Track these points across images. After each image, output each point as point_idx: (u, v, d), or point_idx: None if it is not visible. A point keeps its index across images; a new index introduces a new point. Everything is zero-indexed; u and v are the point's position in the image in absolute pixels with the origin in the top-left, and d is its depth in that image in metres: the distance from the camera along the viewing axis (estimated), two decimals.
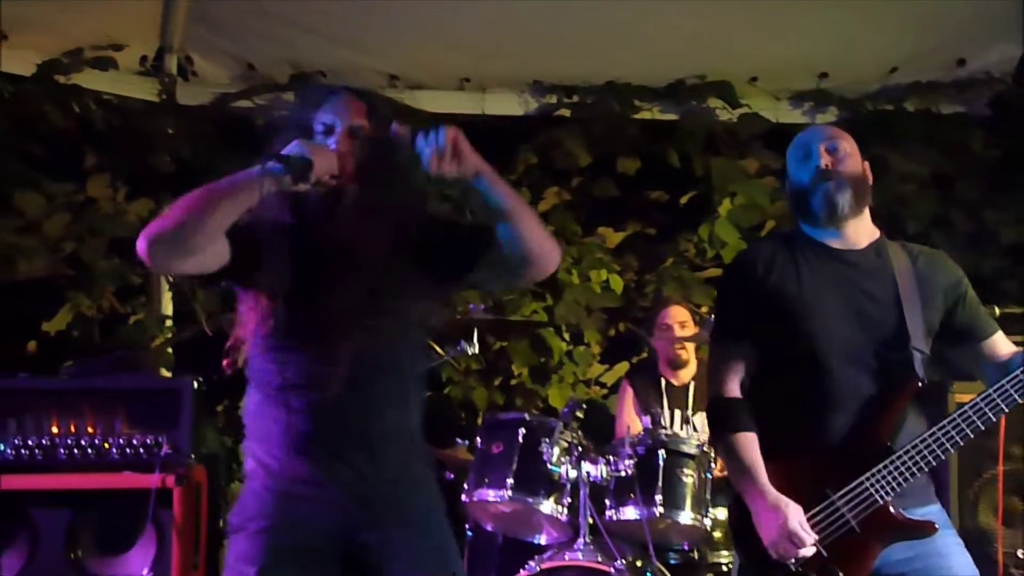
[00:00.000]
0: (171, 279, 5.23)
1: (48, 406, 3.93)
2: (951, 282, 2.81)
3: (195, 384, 4.03)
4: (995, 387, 2.62)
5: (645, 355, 5.14)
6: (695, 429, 4.31)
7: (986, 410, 2.61)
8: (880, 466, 2.61)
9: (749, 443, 2.69)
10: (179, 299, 5.28)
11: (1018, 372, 2.61)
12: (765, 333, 2.74)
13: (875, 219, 5.09)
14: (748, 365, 2.77)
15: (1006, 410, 2.62)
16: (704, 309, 5.16)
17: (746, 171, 5.22)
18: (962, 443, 2.62)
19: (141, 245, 2.26)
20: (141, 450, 3.88)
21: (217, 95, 5.30)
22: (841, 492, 2.62)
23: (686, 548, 4.00)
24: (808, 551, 2.59)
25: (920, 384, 2.67)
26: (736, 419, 2.73)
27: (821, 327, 2.68)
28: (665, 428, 4.32)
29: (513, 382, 5.29)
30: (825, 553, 2.60)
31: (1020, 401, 2.62)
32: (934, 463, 2.63)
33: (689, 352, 4.53)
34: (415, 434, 2.50)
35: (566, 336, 5.30)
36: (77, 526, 3.85)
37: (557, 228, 5.32)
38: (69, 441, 3.88)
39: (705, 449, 3.89)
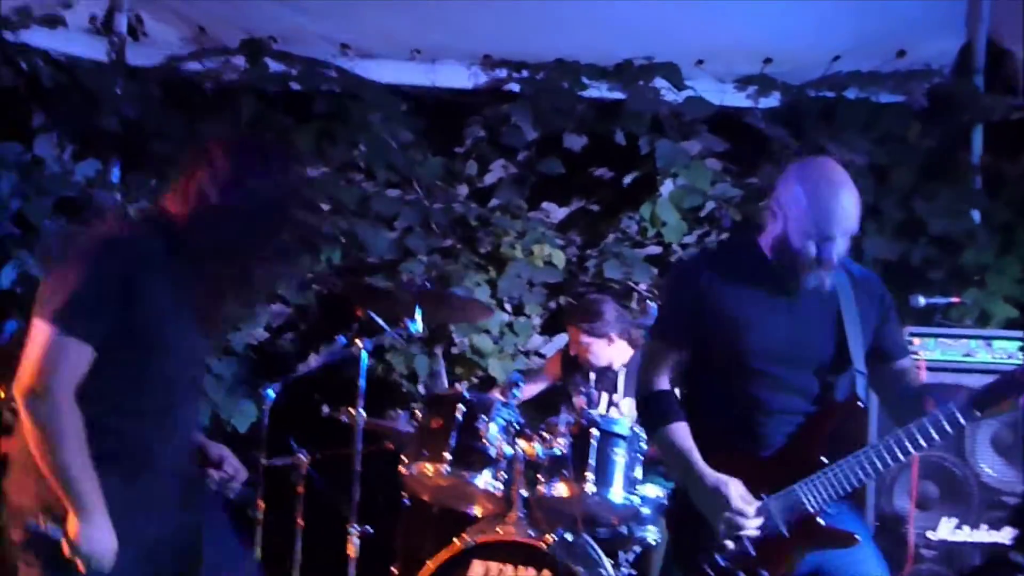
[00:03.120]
0: None
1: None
2: (881, 299, 2.95)
3: None
4: (926, 420, 2.74)
5: None
6: (620, 413, 4.45)
7: (907, 443, 2.74)
8: (812, 477, 2.76)
9: (681, 431, 2.83)
10: None
11: (951, 407, 2.73)
12: (706, 342, 2.86)
13: None
14: (681, 364, 2.92)
15: (926, 446, 2.75)
16: (643, 287, 5.31)
17: (688, 153, 5.33)
18: (884, 469, 2.77)
19: None
20: None
21: (167, 57, 5.29)
22: (774, 496, 2.76)
23: (615, 523, 4.16)
24: (755, 522, 2.73)
25: (858, 405, 2.83)
26: (666, 411, 2.87)
27: (764, 345, 2.81)
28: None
29: (454, 351, 5.40)
30: (753, 552, 2.76)
31: (940, 441, 2.75)
32: (865, 481, 2.77)
33: (600, 352, 4.59)
34: None
35: (507, 308, 5.40)
36: None
37: (503, 202, 5.42)
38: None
39: (636, 430, 4.03)
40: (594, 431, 3.95)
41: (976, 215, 5.31)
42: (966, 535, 4.23)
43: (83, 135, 5.12)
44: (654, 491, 4.20)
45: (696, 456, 2.80)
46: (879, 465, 2.76)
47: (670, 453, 2.86)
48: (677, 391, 3.00)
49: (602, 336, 4.51)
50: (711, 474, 2.76)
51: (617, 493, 3.94)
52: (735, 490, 2.74)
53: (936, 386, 3.15)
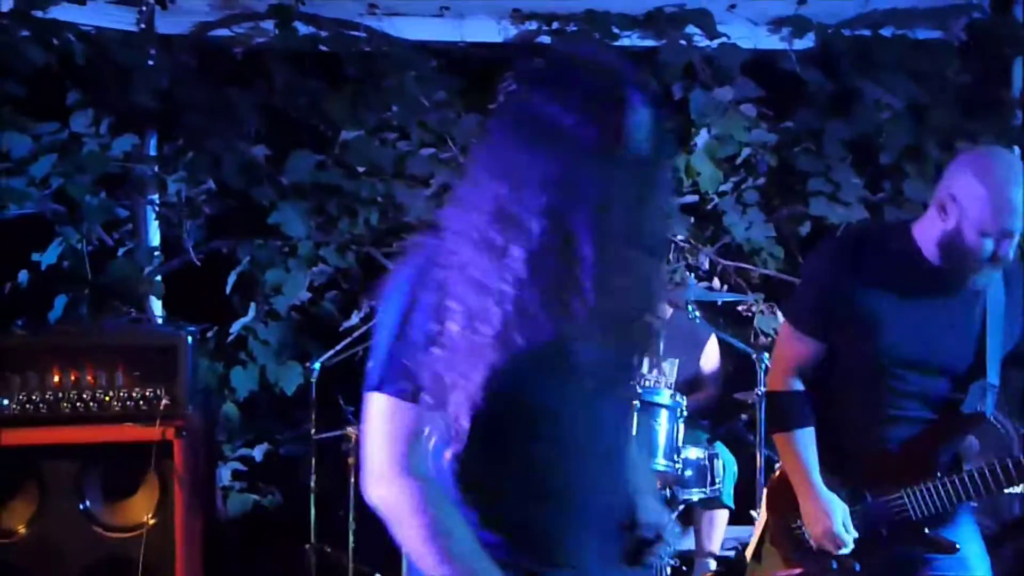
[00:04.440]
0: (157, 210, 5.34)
1: (49, 360, 4.09)
2: None
3: (190, 338, 4.20)
4: None
5: None
6: (662, 374, 4.51)
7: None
8: (922, 486, 2.72)
9: (806, 440, 2.78)
10: (166, 229, 5.39)
11: None
12: (843, 337, 2.76)
13: (850, 148, 5.19)
14: (817, 357, 2.81)
15: None
16: (679, 238, 5.31)
17: (722, 103, 5.27)
18: (998, 490, 2.69)
19: None
20: (141, 403, 4.07)
21: (196, 24, 5.27)
22: (880, 500, 2.75)
23: (659, 488, 4.25)
24: (847, 550, 2.74)
25: (985, 418, 2.75)
26: (795, 416, 2.81)
27: (901, 349, 2.71)
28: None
29: None
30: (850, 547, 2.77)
31: None
32: (976, 498, 2.71)
33: None
34: None
35: None
36: (84, 476, 4.07)
37: None
38: (72, 395, 4.05)
39: (677, 399, 4.09)
40: (635, 402, 4.02)
41: (1017, 152, 5.24)
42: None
43: (118, 109, 5.13)
44: (695, 454, 4.30)
45: (815, 471, 2.76)
46: (993, 486, 2.69)
47: (790, 458, 2.82)
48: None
49: None
50: (824, 495, 2.75)
51: (660, 461, 4.03)
52: (839, 516, 2.73)
53: None
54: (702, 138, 5.27)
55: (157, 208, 5.34)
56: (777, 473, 3.01)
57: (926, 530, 2.74)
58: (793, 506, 2.84)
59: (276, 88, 5.19)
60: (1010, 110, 5.28)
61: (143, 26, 5.18)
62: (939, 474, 2.72)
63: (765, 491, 3.06)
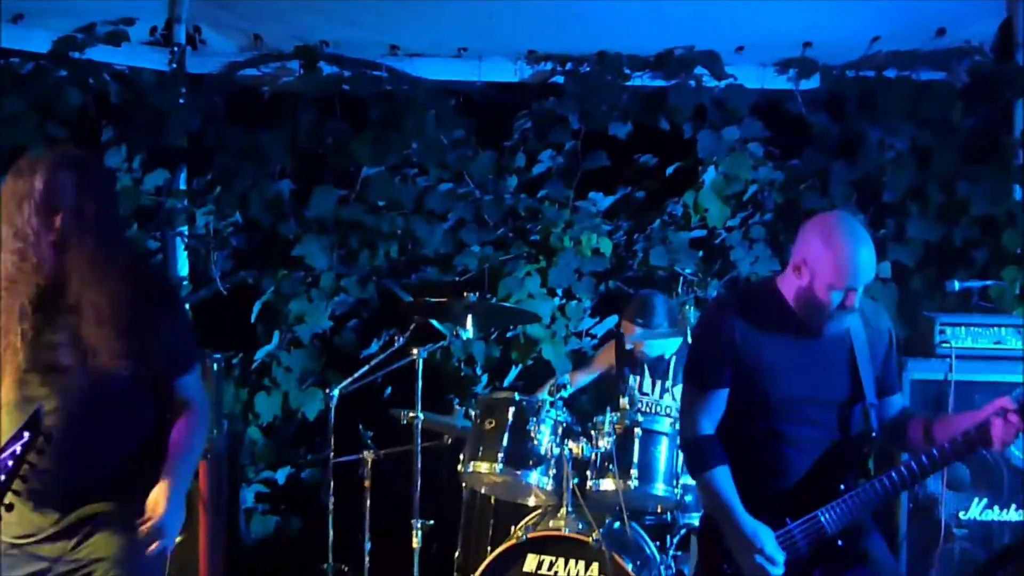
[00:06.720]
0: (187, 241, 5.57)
1: None
2: (886, 333, 3.15)
3: (216, 365, 4.40)
4: (935, 449, 2.97)
5: None
6: (673, 399, 4.66)
7: (926, 465, 2.97)
8: (833, 504, 3.00)
9: (724, 477, 3.05)
10: (195, 260, 5.62)
11: (957, 437, 2.94)
12: (736, 386, 3.08)
13: (854, 186, 5.36)
14: (721, 404, 3.11)
15: (941, 468, 3.01)
16: (688, 271, 5.49)
17: (729, 143, 5.45)
18: (903, 492, 3.12)
19: None
20: None
21: (225, 64, 5.53)
22: (798, 522, 3.01)
23: (659, 512, 4.41)
24: (778, 570, 2.97)
25: (873, 435, 3.08)
26: (710, 457, 3.07)
27: (791, 389, 3.04)
28: (641, 405, 4.67)
29: (508, 335, 5.64)
30: None
31: (953, 461, 3.01)
32: (880, 505, 3.02)
33: (653, 343, 4.75)
34: None
35: (558, 292, 5.60)
36: None
37: (551, 193, 5.61)
38: None
39: (678, 426, 4.25)
40: (637, 430, 4.19)
41: (1018, 191, 5.38)
42: (996, 515, 4.43)
43: (150, 146, 5.38)
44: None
45: (737, 503, 3.00)
46: (893, 491, 2.99)
47: (712, 497, 3.07)
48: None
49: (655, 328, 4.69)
50: (750, 522, 2.98)
51: (659, 487, 4.19)
52: (769, 539, 2.97)
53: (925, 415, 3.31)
54: (710, 175, 5.45)
55: (186, 240, 5.57)
56: (702, 518, 3.26)
57: (839, 543, 3.01)
58: (720, 548, 3.05)
59: (301, 127, 5.43)
60: (1011, 152, 5.41)
61: (175, 66, 5.42)
62: (843, 489, 3.02)
63: (695, 537, 3.26)
